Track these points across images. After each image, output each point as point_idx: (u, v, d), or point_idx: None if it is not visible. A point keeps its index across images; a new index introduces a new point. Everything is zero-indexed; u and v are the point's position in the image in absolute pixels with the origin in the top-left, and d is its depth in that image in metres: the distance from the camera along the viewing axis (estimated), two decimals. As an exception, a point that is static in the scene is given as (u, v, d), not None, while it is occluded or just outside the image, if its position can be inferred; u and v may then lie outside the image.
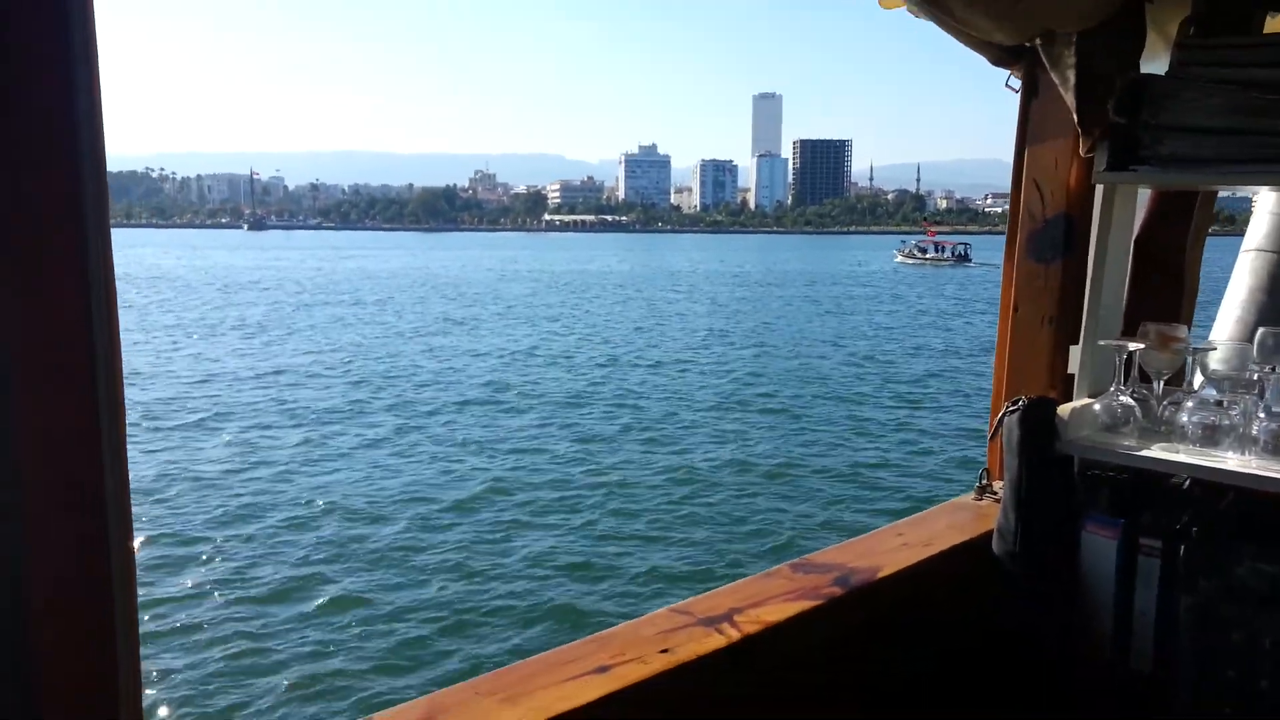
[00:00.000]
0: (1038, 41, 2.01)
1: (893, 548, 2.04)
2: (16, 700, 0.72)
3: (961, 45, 2.05)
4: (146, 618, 8.30)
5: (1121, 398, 2.05)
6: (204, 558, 10.23)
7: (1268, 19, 2.13)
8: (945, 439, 16.05)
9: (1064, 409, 2.05)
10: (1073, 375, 2.21)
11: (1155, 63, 2.00)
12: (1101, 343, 2.11)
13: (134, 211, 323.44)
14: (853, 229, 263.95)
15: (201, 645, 8.16)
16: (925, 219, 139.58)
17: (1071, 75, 1.94)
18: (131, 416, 16.00)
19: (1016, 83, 2.28)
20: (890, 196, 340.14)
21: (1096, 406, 2.07)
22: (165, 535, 10.80)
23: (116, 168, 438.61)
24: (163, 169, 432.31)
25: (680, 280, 65.56)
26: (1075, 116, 2.00)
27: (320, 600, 9.11)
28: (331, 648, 8.12)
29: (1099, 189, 2.14)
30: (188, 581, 9.58)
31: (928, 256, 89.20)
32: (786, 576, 1.83)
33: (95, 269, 0.73)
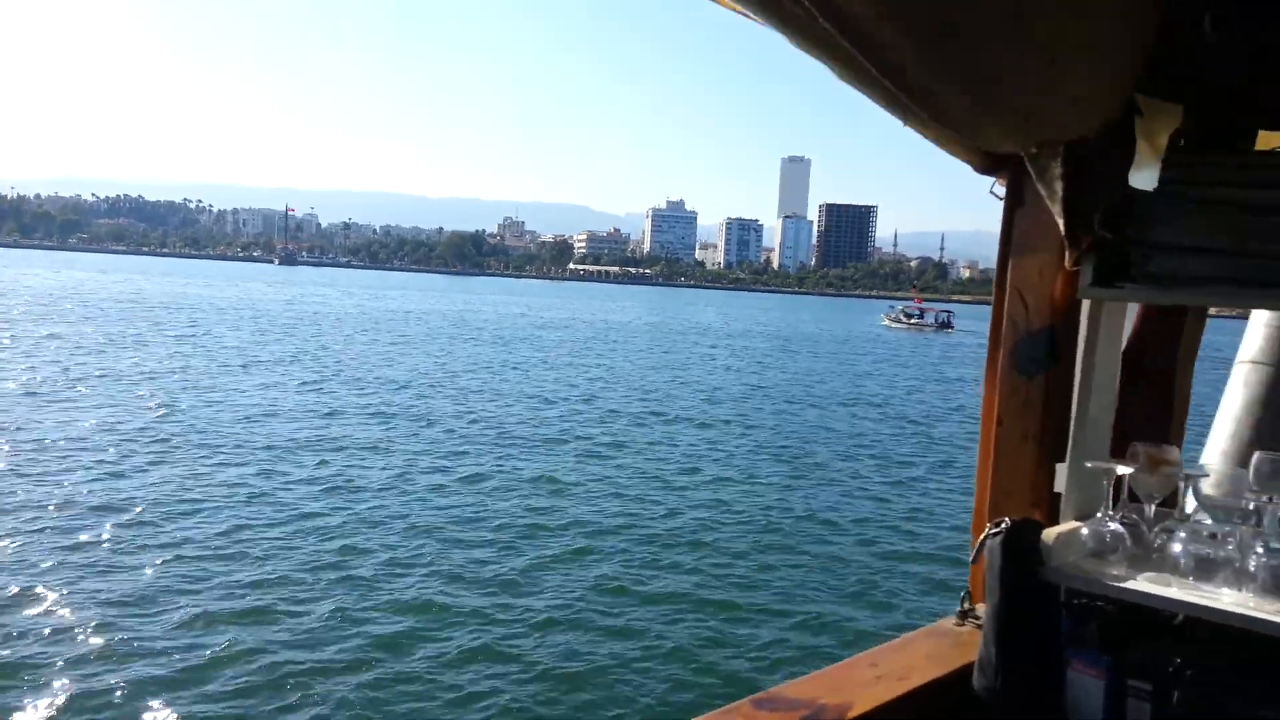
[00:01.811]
0: (1025, 152, 1.91)
1: (866, 680, 1.94)
2: None
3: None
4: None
5: (1111, 524, 1.96)
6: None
7: (1260, 134, 2.06)
8: (923, 521, 15.30)
9: (1049, 533, 1.96)
10: (1059, 495, 2.14)
11: (1142, 175, 1.92)
12: (1089, 465, 2.03)
13: (169, 241, 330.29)
14: (875, 293, 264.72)
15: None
16: (914, 286, 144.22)
17: (1059, 187, 1.85)
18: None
19: (1001, 190, 2.24)
20: (913, 264, 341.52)
21: (1084, 531, 1.98)
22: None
23: (154, 196, 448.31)
24: (200, 200, 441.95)
25: (695, 334, 66.58)
26: (1062, 229, 1.94)
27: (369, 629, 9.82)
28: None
29: (1085, 303, 2.10)
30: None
31: (913, 322, 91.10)
32: (747, 715, 1.73)
33: None
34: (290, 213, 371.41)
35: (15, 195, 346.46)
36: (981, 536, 2.01)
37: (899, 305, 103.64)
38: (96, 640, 8.81)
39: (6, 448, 16.39)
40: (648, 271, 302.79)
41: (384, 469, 16.71)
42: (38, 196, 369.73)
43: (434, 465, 17.32)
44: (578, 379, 33.47)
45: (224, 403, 22.99)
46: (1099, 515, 1.98)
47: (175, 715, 7.57)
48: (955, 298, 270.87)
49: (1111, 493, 1.97)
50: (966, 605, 2.27)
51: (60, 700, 7.71)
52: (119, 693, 7.88)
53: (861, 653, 2.09)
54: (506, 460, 18.13)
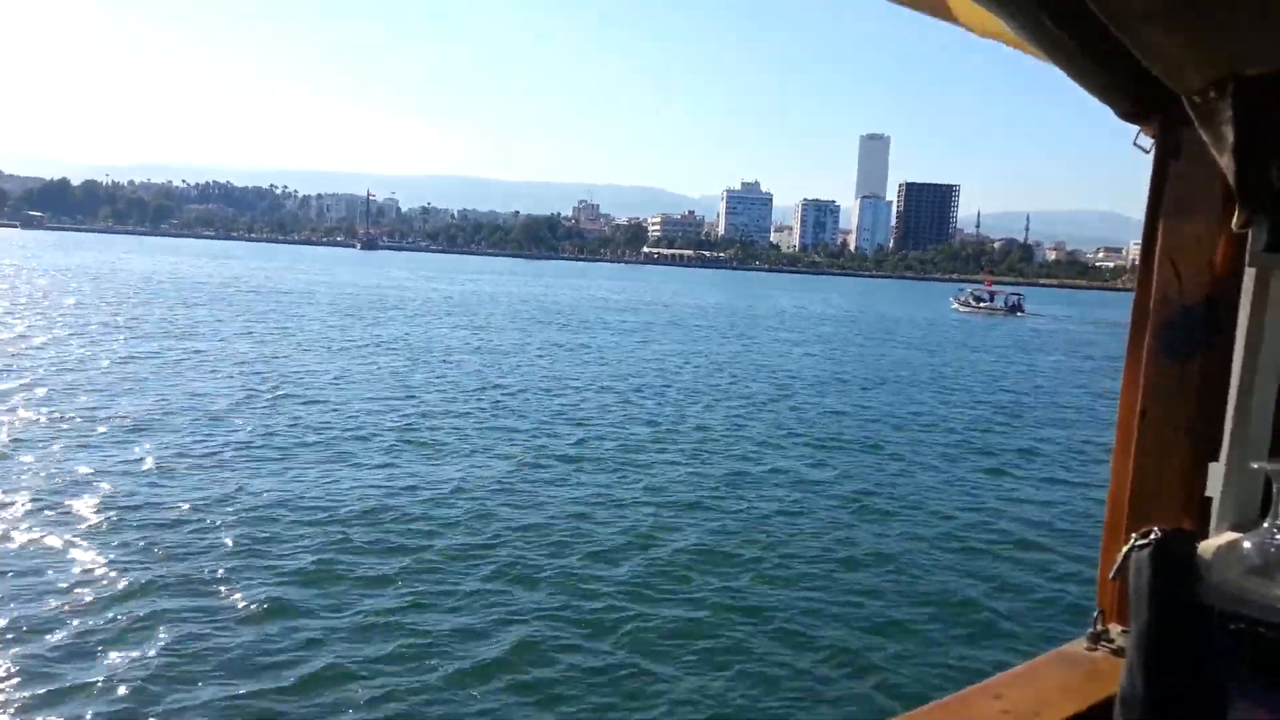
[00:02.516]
0: (1187, 94, 1.63)
1: (991, 715, 1.73)
2: None
3: (1082, 95, 1.75)
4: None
5: None
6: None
7: None
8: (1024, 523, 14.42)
9: (1207, 546, 1.68)
10: (1209, 499, 1.87)
11: None
12: (1256, 466, 1.75)
13: (256, 226, 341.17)
14: (955, 276, 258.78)
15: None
16: (984, 268, 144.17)
17: (1229, 132, 1.58)
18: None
19: (1147, 142, 1.97)
20: (997, 245, 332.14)
21: (1247, 544, 1.66)
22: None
23: (242, 183, 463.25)
24: (285, 186, 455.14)
25: (774, 320, 66.13)
26: (1234, 183, 1.66)
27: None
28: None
29: (1250, 273, 1.80)
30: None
31: (982, 305, 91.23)
32: None
33: None
34: (371, 198, 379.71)
35: (110, 182, 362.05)
36: (1126, 548, 1.70)
37: (968, 288, 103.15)
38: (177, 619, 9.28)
39: (110, 429, 17.25)
40: (722, 255, 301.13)
41: (500, 455, 17.07)
42: (131, 183, 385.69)
43: (552, 453, 17.53)
44: (673, 367, 33.56)
45: (323, 385, 23.74)
46: (1266, 525, 1.68)
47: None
48: (1041, 281, 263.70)
49: (1277, 498, 1.68)
50: (1099, 626, 2.02)
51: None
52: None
53: (983, 682, 1.88)
54: (614, 448, 18.33)
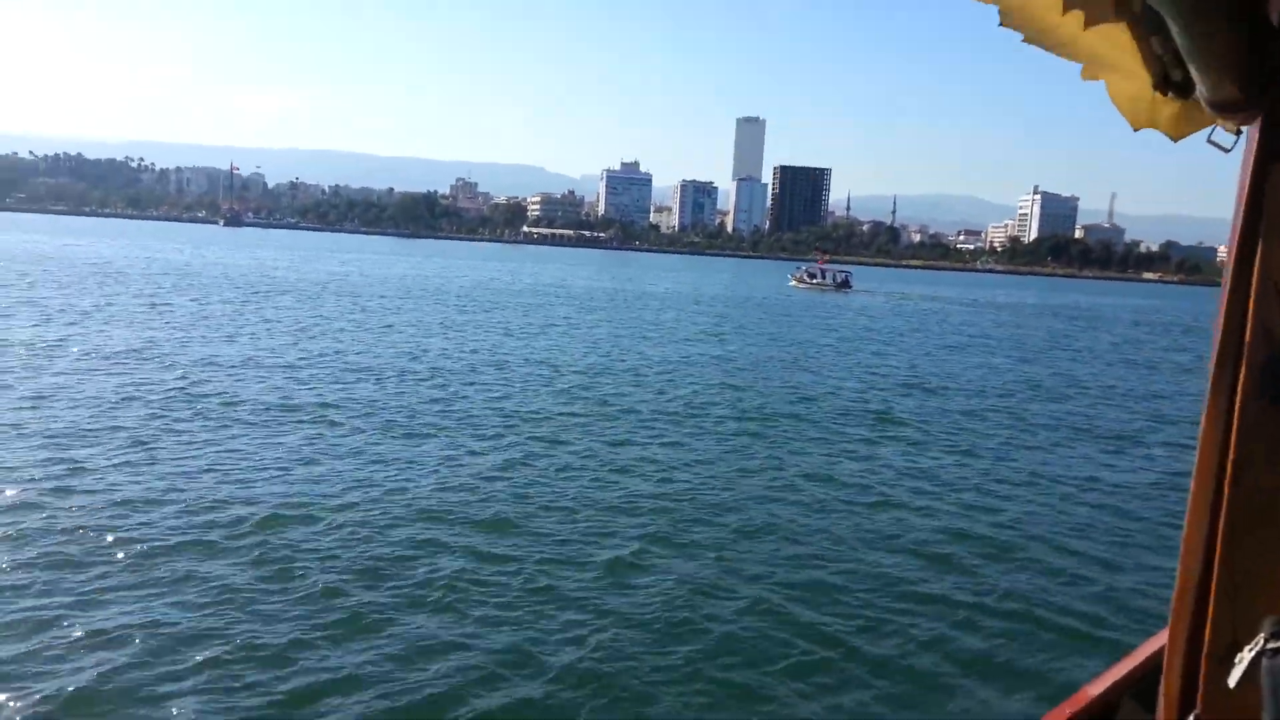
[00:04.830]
0: None
1: None
2: None
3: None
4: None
5: None
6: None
7: None
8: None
9: None
10: None
11: None
12: None
13: (109, 201, 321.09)
14: (828, 257, 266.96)
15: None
16: (818, 247, 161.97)
17: None
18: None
19: (1228, 139, 1.64)
20: (865, 227, 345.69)
21: None
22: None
23: (94, 154, 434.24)
24: (142, 159, 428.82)
25: (687, 304, 67.67)
26: None
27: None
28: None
29: None
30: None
31: (815, 281, 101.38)
32: None
33: None
34: (235, 172, 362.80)
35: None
36: (1253, 650, 1.34)
37: (803, 266, 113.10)
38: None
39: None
40: (602, 235, 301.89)
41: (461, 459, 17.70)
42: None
43: (476, 443, 18.35)
44: (580, 352, 34.48)
45: (232, 372, 23.63)
46: None
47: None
48: (907, 263, 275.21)
49: None
50: None
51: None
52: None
53: None
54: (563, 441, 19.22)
